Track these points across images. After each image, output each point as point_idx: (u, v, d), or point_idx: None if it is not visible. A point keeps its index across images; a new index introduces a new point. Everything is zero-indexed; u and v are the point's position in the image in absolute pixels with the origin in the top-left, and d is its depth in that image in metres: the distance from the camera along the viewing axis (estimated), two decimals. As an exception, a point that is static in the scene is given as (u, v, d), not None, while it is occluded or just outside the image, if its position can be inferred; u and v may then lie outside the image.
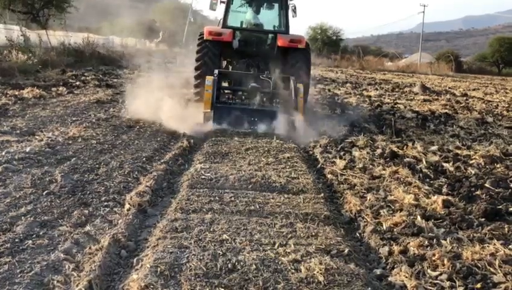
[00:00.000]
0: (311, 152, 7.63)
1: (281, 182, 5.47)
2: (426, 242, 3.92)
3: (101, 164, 5.86)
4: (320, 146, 7.87)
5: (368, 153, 7.49)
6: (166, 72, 15.87)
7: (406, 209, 4.86)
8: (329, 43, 67.05)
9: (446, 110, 14.25)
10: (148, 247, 3.65)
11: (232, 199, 4.80)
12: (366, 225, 4.44)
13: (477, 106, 16.30)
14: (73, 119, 8.78)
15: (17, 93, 11.26)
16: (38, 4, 31.35)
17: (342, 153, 7.34)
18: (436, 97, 18.81)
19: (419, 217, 4.53)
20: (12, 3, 29.46)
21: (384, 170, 6.46)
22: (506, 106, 17.27)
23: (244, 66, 11.19)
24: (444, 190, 5.72)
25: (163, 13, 62.26)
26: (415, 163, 6.92)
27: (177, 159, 6.52)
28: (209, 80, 9.25)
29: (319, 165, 6.71)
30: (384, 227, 4.35)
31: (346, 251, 3.70)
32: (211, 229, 3.92)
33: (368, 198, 5.12)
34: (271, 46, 11.20)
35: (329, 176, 6.17)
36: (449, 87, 26.12)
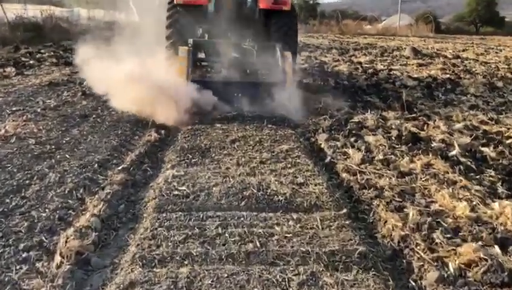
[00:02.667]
0: (313, 139, 6.11)
1: (285, 193, 3.95)
2: (533, 303, 2.49)
3: (34, 178, 4.23)
4: (323, 130, 6.35)
5: (383, 136, 6.02)
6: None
7: (467, 229, 3.43)
8: (306, 7, 65.02)
9: (448, 76, 12.85)
10: None
11: (219, 230, 3.27)
12: (423, 265, 2.98)
13: (477, 69, 14.95)
14: (14, 109, 7.03)
15: (-50, 78, 9.38)
16: (-10, -26, 28.42)
17: (352, 140, 5.84)
18: (429, 61, 17.37)
19: (497, 248, 3.09)
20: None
21: (412, 162, 5.00)
22: (506, 67, 15.98)
23: (222, 33, 9.53)
24: (500, 189, 4.31)
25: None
26: (445, 149, 5.48)
27: (142, 162, 4.92)
28: (182, 51, 7.68)
29: (328, 159, 5.19)
30: (452, 270, 2.89)
31: (415, 333, 2.24)
32: (189, 304, 2.41)
33: (410, 213, 3.65)
34: (252, 10, 9.52)
35: (344, 175, 4.67)
36: (437, 49, 24.72)
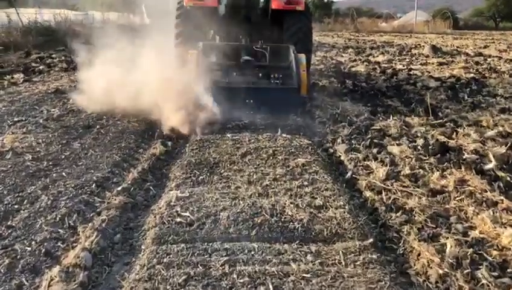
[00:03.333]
0: (331, 150, 5.62)
1: (301, 219, 3.49)
2: None
3: (25, 201, 3.85)
4: (341, 139, 5.86)
5: (408, 146, 5.51)
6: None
7: (516, 265, 2.93)
8: (321, 6, 64.34)
9: (472, 75, 12.21)
10: None
11: (226, 269, 2.82)
12: (469, 315, 2.50)
13: (502, 67, 14.25)
14: (16, 120, 6.69)
15: (-44, 86, 9.13)
16: (4, -21, 28.45)
17: (375, 151, 5.34)
18: (450, 59, 16.70)
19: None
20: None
21: (443, 177, 4.49)
22: (532, 64, 15.25)
23: (233, 35, 9.12)
24: (548, 211, 3.78)
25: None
26: (479, 161, 4.95)
27: (145, 180, 4.51)
28: (191, 55, 7.30)
29: (349, 174, 4.71)
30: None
31: None
32: None
33: (448, 244, 3.15)
34: (264, 10, 9.09)
35: (368, 194, 4.19)
36: (457, 47, 23.93)
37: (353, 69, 13.52)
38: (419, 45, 24.25)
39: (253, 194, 3.96)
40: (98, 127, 6.35)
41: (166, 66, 7.61)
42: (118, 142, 5.65)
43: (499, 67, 14.22)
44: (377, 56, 17.47)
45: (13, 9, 24.30)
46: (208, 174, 4.53)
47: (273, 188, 4.15)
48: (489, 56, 18.25)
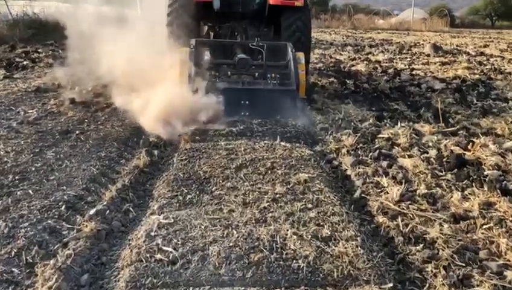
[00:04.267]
0: (335, 162, 5.04)
1: (307, 256, 2.92)
2: None
3: (-23, 229, 3.26)
4: (346, 149, 5.29)
5: (421, 159, 4.96)
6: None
7: None
8: (317, 2, 63.71)
9: (477, 76, 11.69)
10: None
11: (215, 329, 2.26)
12: None
13: (507, 68, 13.75)
14: (-14, 123, 6.08)
15: None
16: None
17: (384, 164, 4.78)
18: (452, 59, 16.17)
19: None
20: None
21: (465, 198, 3.95)
22: (538, 65, 14.76)
23: (228, 32, 8.57)
24: None
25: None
26: (503, 179, 4.40)
27: (124, 199, 3.92)
28: (183, 53, 6.78)
29: (357, 193, 4.15)
30: None
31: None
32: None
33: (485, 293, 2.61)
34: (261, 6, 8.53)
35: (380, 219, 3.63)
36: (457, 45, 23.43)
37: (353, 68, 12.96)
38: (418, 43, 23.75)
39: (249, 221, 3.39)
40: (77, 132, 5.73)
41: (153, 64, 7.03)
42: (98, 151, 5.04)
43: (503, 67, 13.72)
44: (377, 54, 16.91)
45: (3, 1, 23.50)
46: (197, 192, 3.95)
47: (272, 211, 3.57)
48: (492, 56, 17.76)
